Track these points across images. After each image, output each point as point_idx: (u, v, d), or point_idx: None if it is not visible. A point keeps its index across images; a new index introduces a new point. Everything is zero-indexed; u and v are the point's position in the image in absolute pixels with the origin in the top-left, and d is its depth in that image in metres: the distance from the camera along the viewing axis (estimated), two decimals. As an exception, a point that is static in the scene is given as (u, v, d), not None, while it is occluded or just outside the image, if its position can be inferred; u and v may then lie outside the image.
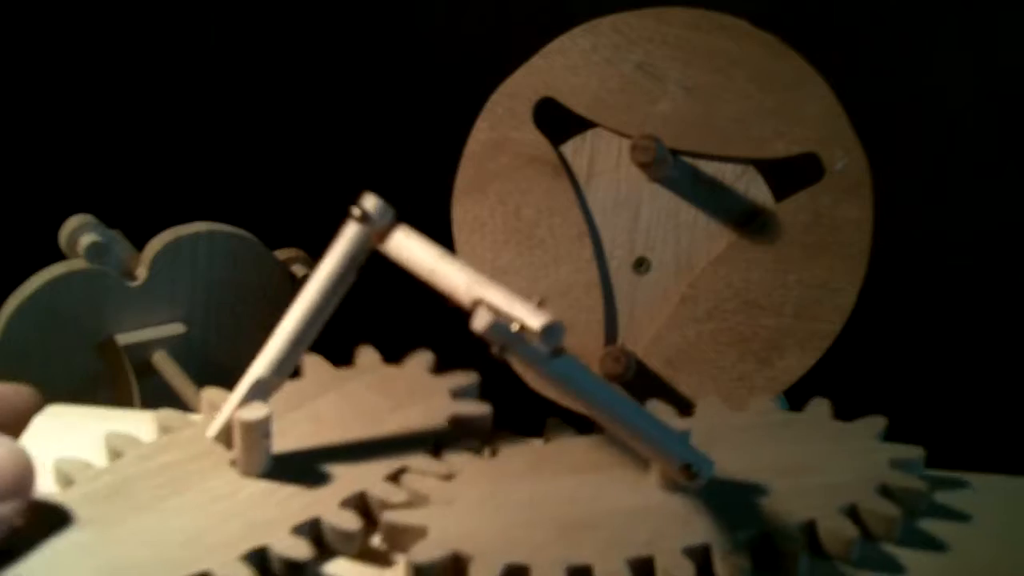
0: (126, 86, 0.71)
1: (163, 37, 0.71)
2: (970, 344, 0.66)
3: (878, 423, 0.42)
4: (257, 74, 0.71)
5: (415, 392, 0.41)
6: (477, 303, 0.33)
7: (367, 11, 0.69)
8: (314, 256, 0.58)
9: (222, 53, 0.71)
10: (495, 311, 0.32)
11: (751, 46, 0.46)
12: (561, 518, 0.35)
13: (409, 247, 0.36)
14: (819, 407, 0.43)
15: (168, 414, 0.39)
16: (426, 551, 0.33)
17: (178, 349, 0.54)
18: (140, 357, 0.53)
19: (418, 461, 0.37)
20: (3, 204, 0.71)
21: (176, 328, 0.55)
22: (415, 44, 0.69)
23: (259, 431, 0.36)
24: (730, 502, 0.36)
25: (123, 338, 0.53)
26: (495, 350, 0.32)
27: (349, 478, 0.36)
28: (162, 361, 0.53)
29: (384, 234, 0.37)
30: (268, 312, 0.57)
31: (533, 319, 0.31)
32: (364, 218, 0.36)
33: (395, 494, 0.36)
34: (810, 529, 0.35)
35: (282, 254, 0.58)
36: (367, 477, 0.36)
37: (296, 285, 0.58)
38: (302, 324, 0.37)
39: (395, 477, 0.37)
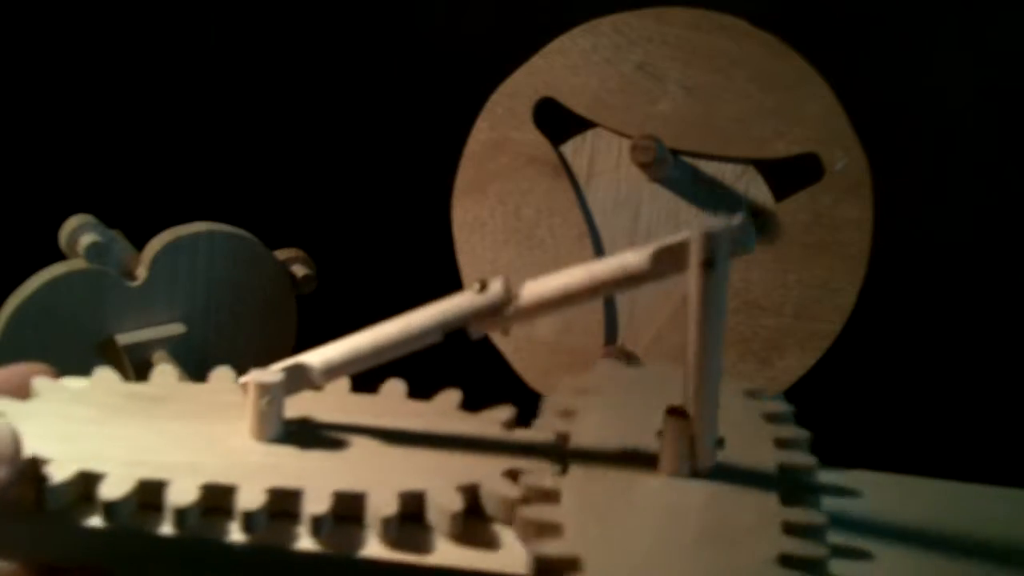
0: (126, 86, 0.71)
1: (163, 37, 0.71)
2: (970, 344, 0.66)
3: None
4: (257, 74, 0.71)
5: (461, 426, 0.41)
6: (656, 252, 0.32)
7: (367, 11, 0.69)
8: (314, 256, 0.58)
9: (222, 53, 0.71)
10: (670, 245, 0.31)
11: (751, 46, 0.46)
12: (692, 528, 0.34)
13: (545, 284, 0.35)
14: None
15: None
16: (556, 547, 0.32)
17: (178, 349, 0.54)
18: (140, 357, 0.53)
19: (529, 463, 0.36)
20: (3, 204, 0.71)
21: (176, 328, 0.55)
22: (415, 44, 0.69)
23: (271, 394, 0.36)
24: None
25: (123, 338, 0.53)
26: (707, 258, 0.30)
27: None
28: (162, 361, 0.53)
29: (504, 304, 0.35)
30: (268, 312, 0.57)
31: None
32: (482, 289, 0.35)
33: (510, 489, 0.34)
34: None
35: (282, 254, 0.58)
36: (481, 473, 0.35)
37: (296, 285, 0.58)
38: (368, 349, 0.36)
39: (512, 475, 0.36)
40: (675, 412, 0.33)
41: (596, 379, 0.39)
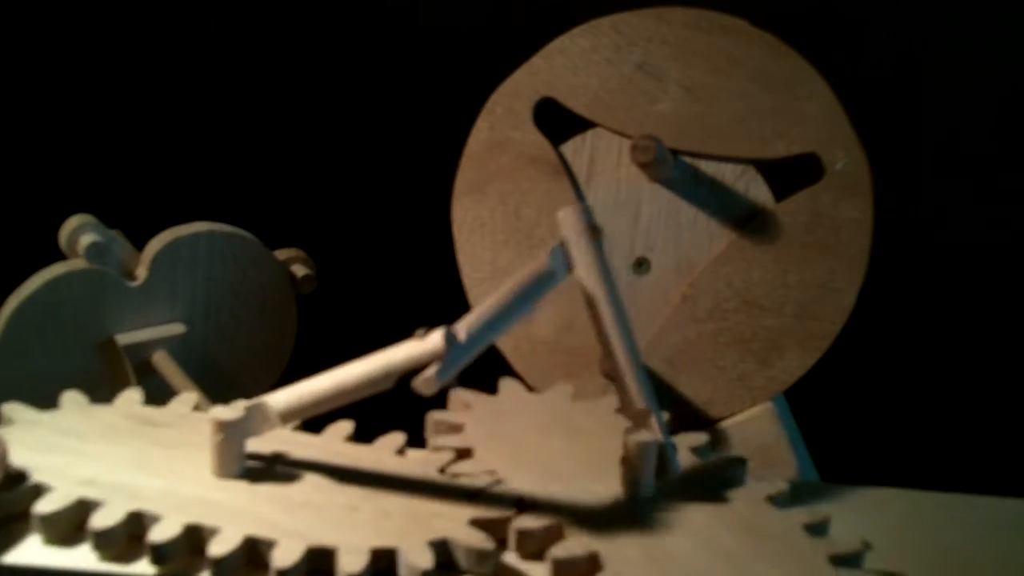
0: (126, 87, 0.71)
1: (163, 39, 0.71)
2: (970, 344, 0.66)
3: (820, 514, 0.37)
4: (257, 75, 0.71)
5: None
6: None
7: (367, 11, 0.69)
8: (314, 256, 0.58)
9: (222, 54, 0.71)
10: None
11: (751, 46, 0.46)
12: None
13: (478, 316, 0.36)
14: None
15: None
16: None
17: (178, 349, 0.54)
18: (140, 357, 0.53)
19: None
20: (3, 204, 0.71)
21: (176, 328, 0.55)
22: (415, 44, 0.69)
23: (231, 431, 0.36)
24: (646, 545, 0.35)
25: (123, 338, 0.53)
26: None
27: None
28: (162, 361, 0.53)
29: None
30: (268, 312, 0.57)
31: None
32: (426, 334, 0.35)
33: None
34: None
35: (282, 254, 0.58)
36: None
37: (296, 285, 0.58)
38: (327, 392, 0.37)
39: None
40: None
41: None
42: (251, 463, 0.37)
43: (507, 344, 0.49)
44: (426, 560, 0.32)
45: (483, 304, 0.35)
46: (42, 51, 0.71)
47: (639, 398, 0.38)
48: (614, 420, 0.41)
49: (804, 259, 0.47)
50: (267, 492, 0.35)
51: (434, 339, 0.33)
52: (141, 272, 0.53)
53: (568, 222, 0.38)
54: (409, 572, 0.32)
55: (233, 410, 0.36)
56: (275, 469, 0.37)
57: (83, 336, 0.53)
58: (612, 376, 0.47)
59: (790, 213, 0.47)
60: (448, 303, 0.49)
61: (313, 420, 0.39)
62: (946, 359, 0.66)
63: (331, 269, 0.59)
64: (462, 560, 0.33)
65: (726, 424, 0.47)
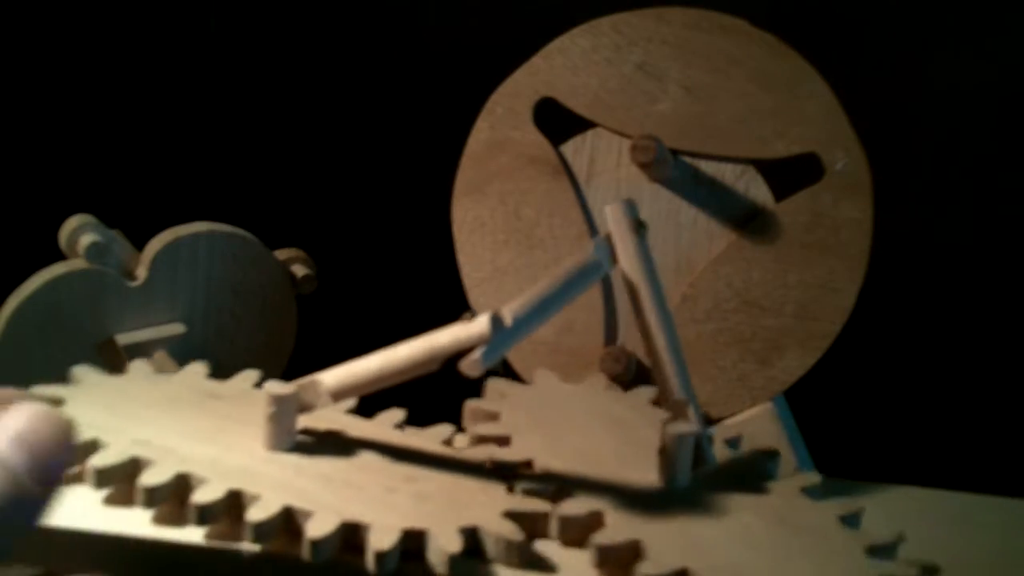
0: (126, 85, 0.71)
1: (163, 37, 0.71)
2: (970, 344, 0.66)
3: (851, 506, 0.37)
4: (257, 74, 0.71)
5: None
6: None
7: (367, 11, 0.69)
8: (314, 256, 0.58)
9: (222, 53, 0.71)
10: None
11: (751, 46, 0.46)
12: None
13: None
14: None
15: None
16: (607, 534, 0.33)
17: (178, 349, 0.54)
18: (140, 357, 0.53)
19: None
20: (3, 204, 0.71)
21: (176, 328, 0.55)
22: (415, 44, 0.69)
23: (283, 405, 0.36)
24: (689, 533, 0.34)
25: (123, 338, 0.53)
26: None
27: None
28: (162, 361, 0.53)
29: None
30: (268, 312, 0.57)
31: None
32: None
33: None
34: None
35: (282, 254, 0.58)
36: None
37: (296, 285, 0.58)
38: (376, 373, 0.37)
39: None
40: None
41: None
42: (302, 439, 0.37)
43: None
44: (455, 545, 0.32)
45: (529, 291, 0.36)
46: (42, 51, 0.71)
47: (678, 389, 0.38)
48: (650, 410, 0.41)
49: (804, 259, 0.47)
50: (312, 468, 0.36)
51: (480, 323, 0.34)
52: (141, 272, 0.53)
53: (614, 216, 0.39)
54: (437, 555, 0.32)
55: (286, 385, 0.37)
56: (324, 447, 0.37)
57: (83, 336, 0.53)
58: (616, 378, 0.47)
59: (790, 213, 0.47)
60: (448, 303, 0.49)
61: (365, 407, 0.39)
62: (946, 359, 0.66)
63: (331, 269, 0.59)
64: (491, 549, 0.33)
65: (726, 424, 0.47)
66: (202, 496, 0.33)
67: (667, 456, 0.36)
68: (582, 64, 0.48)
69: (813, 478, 0.38)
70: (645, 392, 0.43)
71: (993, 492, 0.45)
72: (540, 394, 0.42)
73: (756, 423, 0.47)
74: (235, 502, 0.33)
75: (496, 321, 0.34)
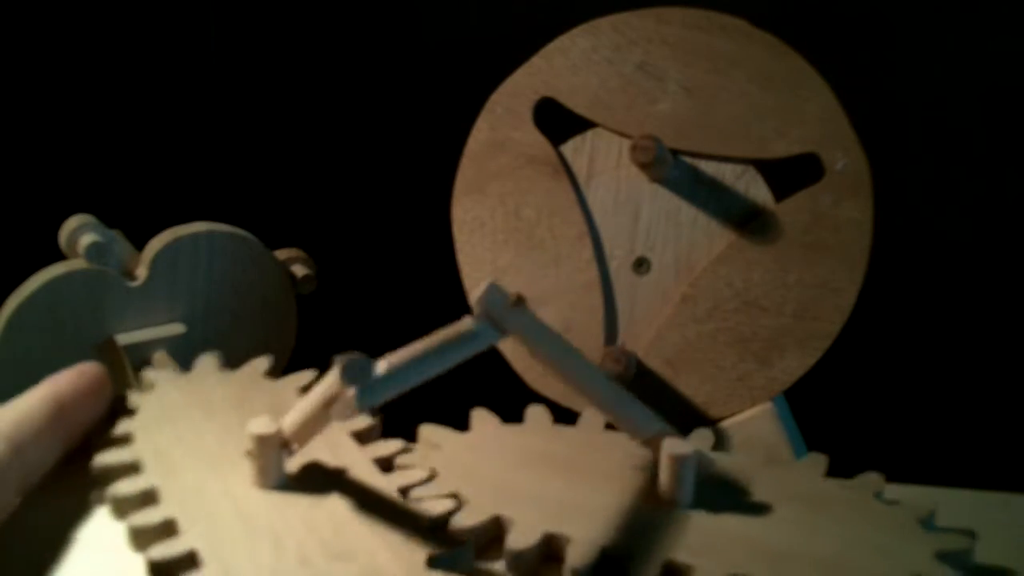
0: (126, 86, 0.71)
1: (163, 37, 0.71)
2: (970, 344, 0.66)
3: (926, 508, 0.38)
4: (257, 74, 0.71)
5: None
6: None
7: (367, 11, 0.69)
8: (314, 256, 0.58)
9: (222, 53, 0.71)
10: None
11: (751, 46, 0.46)
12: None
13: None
14: (868, 483, 0.40)
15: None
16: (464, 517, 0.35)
17: (178, 349, 0.54)
18: (140, 357, 0.53)
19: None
20: (3, 204, 0.71)
21: (176, 328, 0.55)
22: (416, 44, 0.69)
23: (270, 444, 0.36)
24: (725, 540, 0.35)
25: (123, 338, 0.53)
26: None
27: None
28: (162, 361, 0.53)
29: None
30: (268, 312, 0.57)
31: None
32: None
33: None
34: None
35: (282, 254, 0.58)
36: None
37: (296, 285, 0.58)
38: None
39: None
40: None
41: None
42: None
43: (508, 344, 0.49)
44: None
45: (411, 347, 0.36)
46: (42, 51, 0.71)
47: (643, 428, 0.38)
48: (604, 439, 0.41)
49: (804, 259, 0.47)
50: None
51: (335, 377, 0.35)
52: (141, 272, 0.53)
53: (486, 301, 0.37)
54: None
55: (264, 423, 0.37)
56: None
57: (83, 336, 0.53)
58: (617, 378, 0.47)
59: (790, 213, 0.47)
60: (448, 303, 0.49)
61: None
62: (946, 359, 0.66)
63: (331, 269, 0.59)
64: None
65: (726, 424, 0.47)
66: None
67: (669, 480, 0.37)
68: (582, 64, 0.48)
69: (822, 460, 0.40)
70: (593, 419, 0.43)
71: (995, 489, 0.45)
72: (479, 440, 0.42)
73: (756, 423, 0.47)
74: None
75: (361, 375, 0.34)
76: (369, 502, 0.37)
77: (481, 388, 0.46)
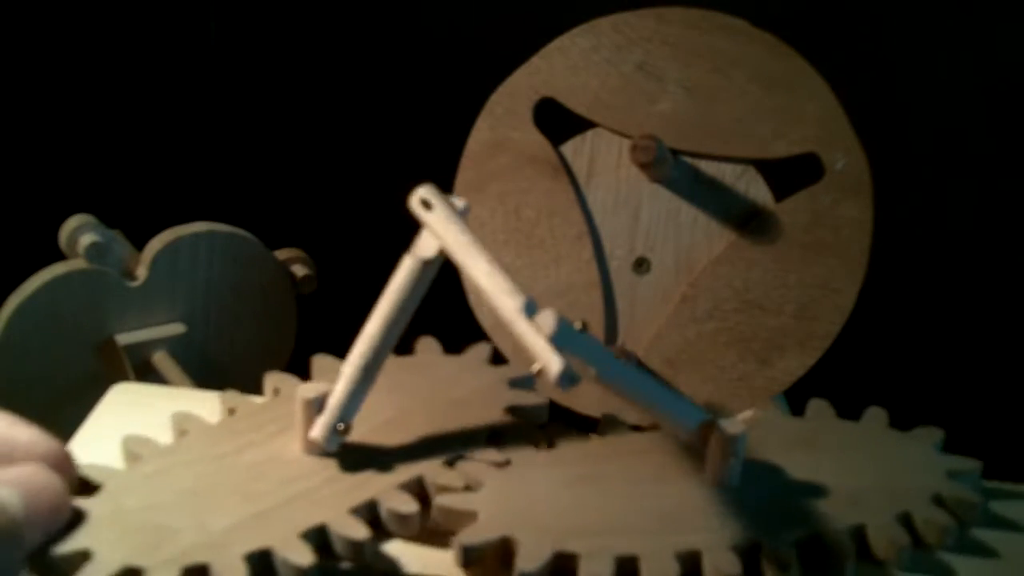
0: (126, 86, 0.71)
1: (163, 37, 0.71)
2: (970, 344, 0.66)
3: (935, 434, 0.41)
4: (257, 74, 0.71)
5: (474, 382, 0.42)
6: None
7: (368, 11, 0.69)
8: (314, 256, 0.58)
9: (222, 54, 0.71)
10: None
11: (751, 46, 0.46)
12: (611, 509, 0.35)
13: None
14: (876, 416, 0.43)
15: (232, 395, 0.40)
16: (475, 534, 0.33)
17: (178, 349, 0.54)
18: (140, 357, 0.53)
19: (475, 449, 0.38)
20: (3, 204, 0.71)
21: (176, 328, 0.55)
22: (416, 44, 0.69)
23: (317, 409, 0.37)
24: (783, 502, 0.36)
25: (123, 338, 0.53)
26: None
27: (408, 464, 0.37)
28: (162, 361, 0.53)
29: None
30: (268, 312, 0.57)
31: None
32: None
33: (452, 479, 0.36)
34: (861, 534, 0.35)
35: (282, 254, 0.58)
36: (426, 463, 0.37)
37: (296, 285, 0.58)
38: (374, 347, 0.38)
39: (452, 464, 0.37)
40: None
41: None
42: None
43: (507, 344, 0.49)
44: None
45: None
46: (42, 52, 0.71)
47: (683, 430, 0.37)
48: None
49: (804, 259, 0.47)
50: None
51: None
52: (141, 272, 0.54)
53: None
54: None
55: (313, 387, 0.37)
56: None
57: (83, 336, 0.53)
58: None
59: (790, 213, 0.47)
60: (448, 303, 0.49)
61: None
62: (946, 359, 0.66)
63: (331, 269, 0.59)
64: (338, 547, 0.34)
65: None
66: None
67: (720, 458, 0.37)
68: (582, 64, 0.48)
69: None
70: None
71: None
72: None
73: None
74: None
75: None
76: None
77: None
